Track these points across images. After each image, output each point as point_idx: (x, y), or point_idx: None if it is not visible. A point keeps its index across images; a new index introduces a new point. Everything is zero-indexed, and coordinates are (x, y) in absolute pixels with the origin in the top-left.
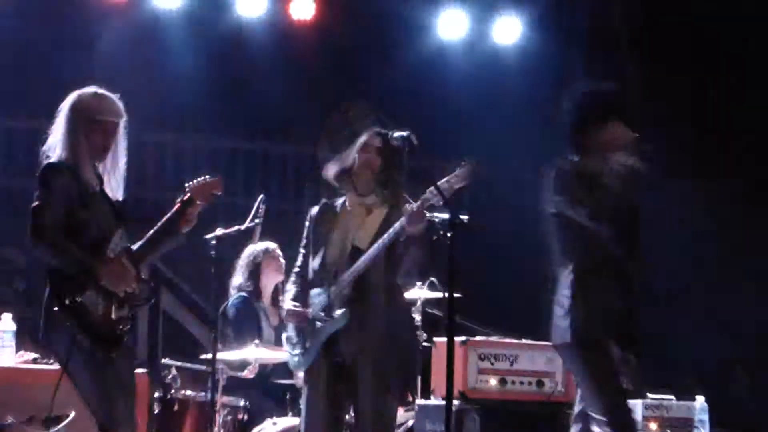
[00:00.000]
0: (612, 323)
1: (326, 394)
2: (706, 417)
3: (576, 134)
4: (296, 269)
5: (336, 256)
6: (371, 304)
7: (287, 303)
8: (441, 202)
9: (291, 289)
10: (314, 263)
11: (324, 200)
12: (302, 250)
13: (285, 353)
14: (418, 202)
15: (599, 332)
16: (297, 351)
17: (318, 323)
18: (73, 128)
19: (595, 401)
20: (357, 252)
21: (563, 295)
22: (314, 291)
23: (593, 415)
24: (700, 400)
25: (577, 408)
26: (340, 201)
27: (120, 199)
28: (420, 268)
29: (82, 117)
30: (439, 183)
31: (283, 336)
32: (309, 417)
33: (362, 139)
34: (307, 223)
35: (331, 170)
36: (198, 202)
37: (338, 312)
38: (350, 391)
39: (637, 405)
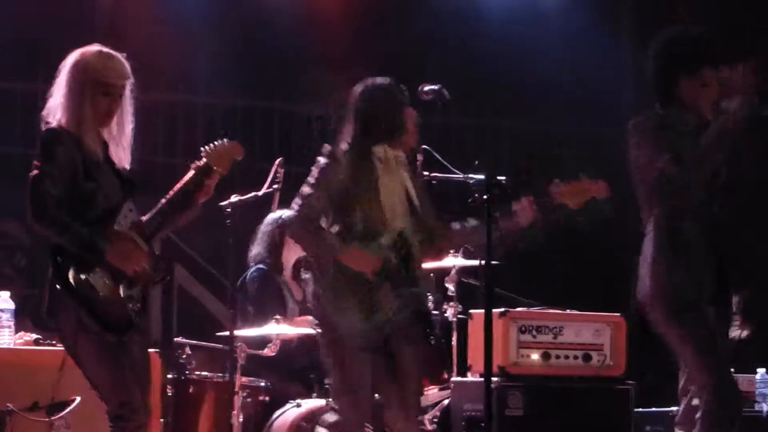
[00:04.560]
0: (706, 283)
1: (373, 369)
2: None
3: (662, 84)
4: (306, 211)
5: (394, 208)
6: (415, 272)
7: (343, 246)
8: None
9: (326, 232)
10: (366, 212)
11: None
12: (321, 191)
13: (309, 329)
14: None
15: (693, 295)
16: (355, 311)
17: (390, 283)
18: (76, 91)
19: (693, 371)
20: (413, 207)
21: (648, 249)
22: (368, 244)
23: (693, 387)
24: (761, 372)
25: (681, 381)
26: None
27: (127, 167)
28: None
29: (86, 79)
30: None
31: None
32: (358, 392)
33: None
34: (330, 162)
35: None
36: (215, 169)
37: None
38: (389, 367)
39: None
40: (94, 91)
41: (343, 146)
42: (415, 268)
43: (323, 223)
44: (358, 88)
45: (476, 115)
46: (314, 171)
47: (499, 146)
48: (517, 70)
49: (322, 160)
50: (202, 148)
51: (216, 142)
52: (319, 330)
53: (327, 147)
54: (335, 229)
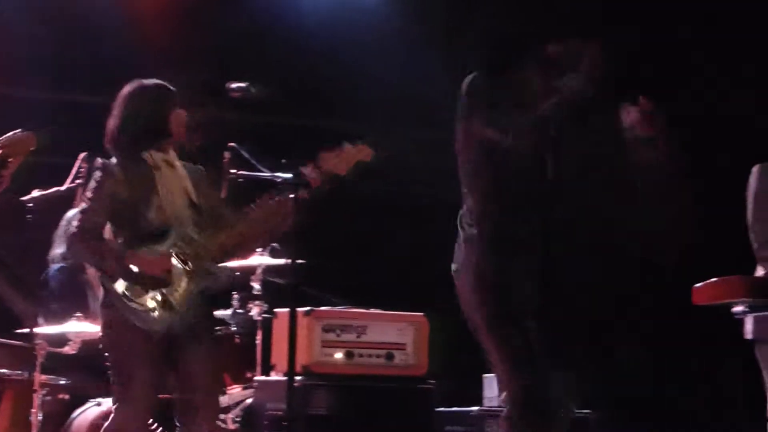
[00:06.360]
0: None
1: (155, 366)
2: None
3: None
4: (86, 226)
5: (175, 209)
6: (204, 267)
7: (128, 253)
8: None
9: (111, 242)
10: (148, 217)
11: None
12: (99, 205)
13: None
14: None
15: (513, 306)
16: (151, 305)
17: (180, 281)
18: None
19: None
20: (194, 206)
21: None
22: (153, 247)
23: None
24: None
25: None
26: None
27: None
28: None
29: None
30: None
31: (119, 287)
32: (136, 391)
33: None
34: (103, 177)
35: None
36: (10, 161)
37: (213, 268)
38: (177, 361)
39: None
40: None
41: (114, 157)
42: (204, 262)
43: (107, 236)
44: (123, 92)
45: (299, 114)
46: (91, 185)
47: (320, 145)
48: (338, 69)
49: (96, 173)
50: None
51: (10, 133)
52: (107, 329)
53: (98, 160)
54: (121, 239)
